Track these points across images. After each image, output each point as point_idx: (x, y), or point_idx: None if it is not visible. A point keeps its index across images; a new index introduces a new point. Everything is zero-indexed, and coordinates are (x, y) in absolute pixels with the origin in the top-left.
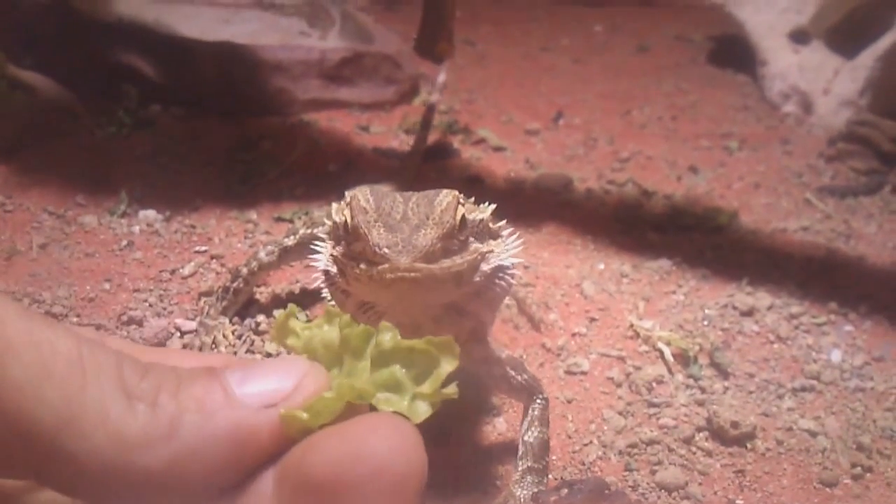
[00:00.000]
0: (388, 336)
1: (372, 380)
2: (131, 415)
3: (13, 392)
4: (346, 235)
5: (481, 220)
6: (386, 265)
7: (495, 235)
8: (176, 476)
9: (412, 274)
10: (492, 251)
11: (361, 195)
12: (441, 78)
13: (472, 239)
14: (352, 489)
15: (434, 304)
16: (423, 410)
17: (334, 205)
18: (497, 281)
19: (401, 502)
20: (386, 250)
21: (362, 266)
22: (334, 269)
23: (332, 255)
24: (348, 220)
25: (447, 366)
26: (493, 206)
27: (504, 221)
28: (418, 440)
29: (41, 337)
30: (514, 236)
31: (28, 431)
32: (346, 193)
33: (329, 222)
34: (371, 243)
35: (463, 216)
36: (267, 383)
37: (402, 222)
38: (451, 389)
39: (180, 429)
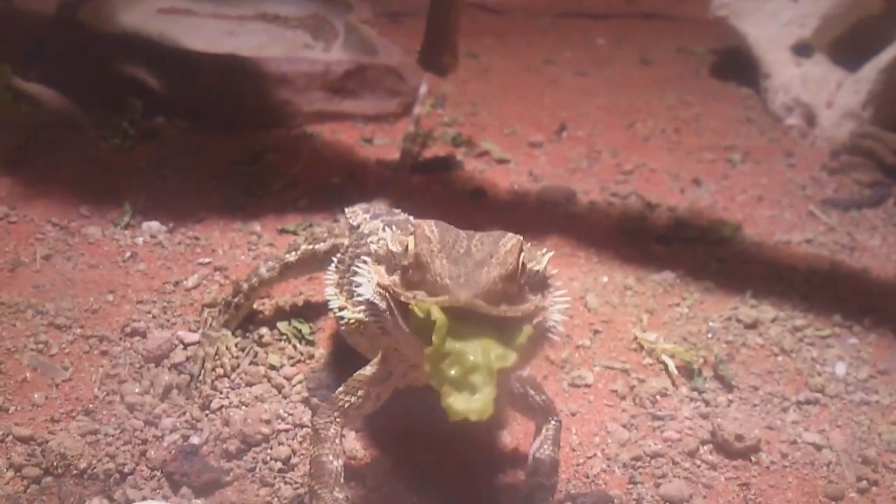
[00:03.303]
0: None
1: None
2: None
3: None
4: (404, 261)
5: (538, 272)
6: (445, 297)
7: (546, 286)
8: None
9: (477, 306)
10: (545, 308)
11: (426, 226)
12: (422, 90)
13: (527, 288)
14: None
15: None
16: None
17: (388, 233)
18: (546, 337)
19: None
20: (447, 281)
21: (420, 294)
22: (382, 304)
23: (381, 284)
24: (410, 248)
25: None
26: (550, 254)
27: (556, 271)
28: None
29: None
30: (563, 291)
31: None
32: (346, 210)
33: (330, 242)
34: (432, 272)
35: (524, 262)
36: None
37: (465, 256)
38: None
39: None
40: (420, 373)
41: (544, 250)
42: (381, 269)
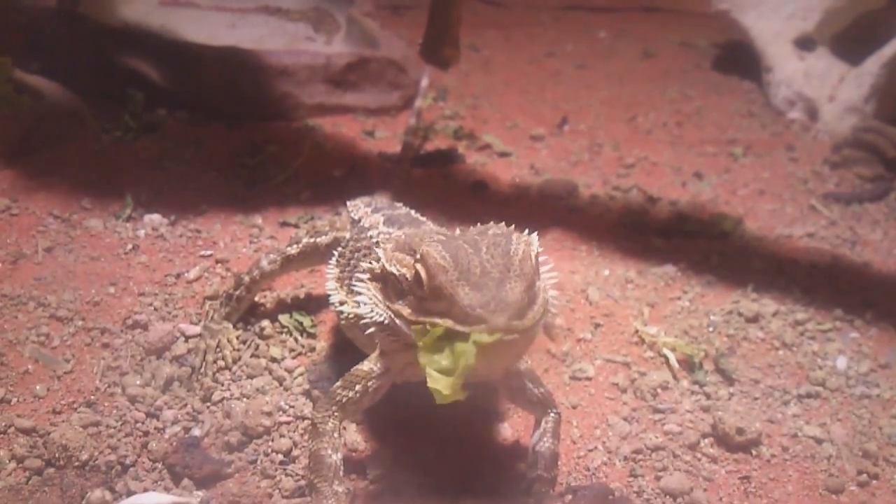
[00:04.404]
0: None
1: None
2: None
3: None
4: (419, 291)
5: (536, 255)
6: (482, 325)
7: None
8: None
9: (512, 336)
10: (544, 287)
11: (434, 251)
12: (424, 82)
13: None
14: None
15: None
16: None
17: (383, 253)
18: (547, 315)
19: None
20: (479, 311)
21: (457, 328)
22: (400, 324)
23: (394, 309)
24: (424, 278)
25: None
26: (535, 234)
27: (541, 249)
28: None
29: None
30: (549, 266)
31: None
32: (348, 203)
33: (332, 235)
34: (462, 305)
35: (537, 260)
36: None
37: (483, 277)
38: None
39: None
40: (418, 368)
41: (526, 231)
42: (378, 287)
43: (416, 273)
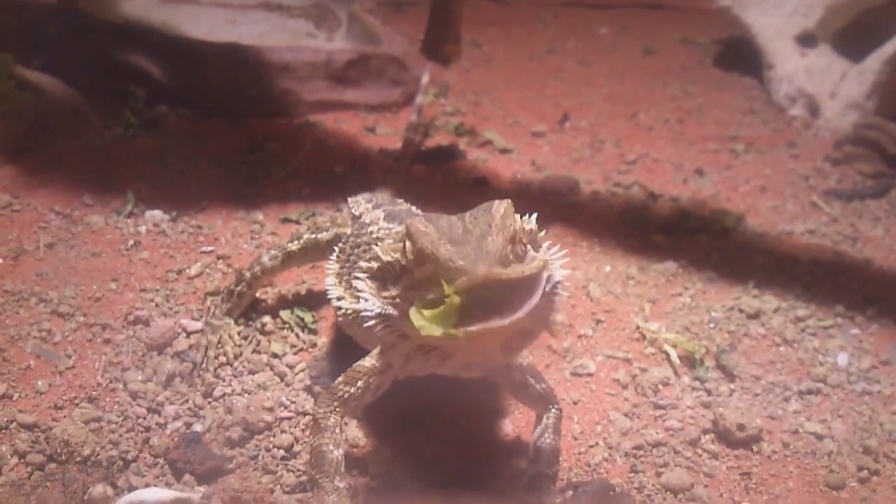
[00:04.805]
0: None
1: None
2: None
3: None
4: (406, 268)
5: (531, 230)
6: (464, 278)
7: (539, 247)
8: None
9: (498, 275)
10: (548, 261)
11: (418, 223)
12: (425, 79)
13: (528, 246)
14: None
15: (510, 329)
16: None
17: (377, 247)
18: (555, 295)
19: None
20: (461, 262)
21: (446, 286)
22: (395, 312)
23: (387, 296)
24: (408, 248)
25: None
26: (535, 215)
27: (543, 232)
28: None
29: None
30: (556, 247)
31: None
32: (349, 199)
33: (333, 231)
34: (442, 259)
35: (521, 224)
36: None
37: (465, 235)
38: None
39: None
40: (420, 363)
41: (528, 214)
42: (376, 284)
43: (404, 247)
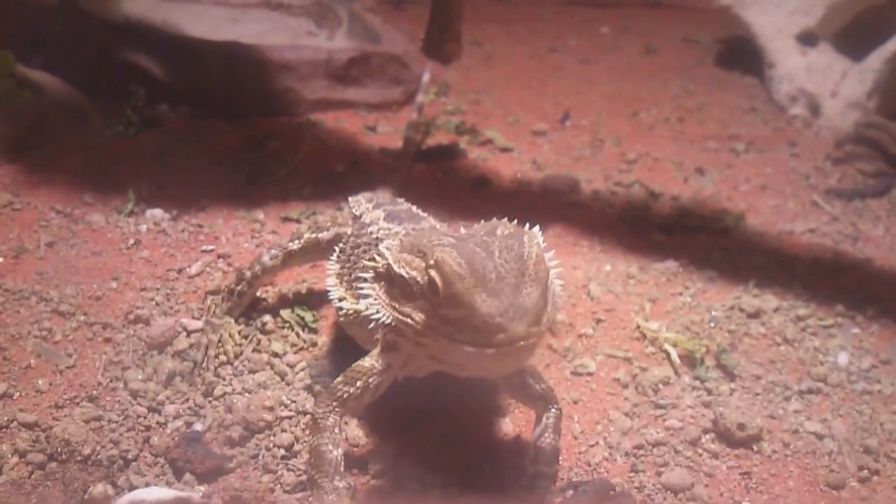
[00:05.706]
0: None
1: None
2: None
3: None
4: (433, 298)
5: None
6: (502, 335)
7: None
8: None
9: (530, 341)
10: (552, 282)
11: (450, 258)
12: (426, 78)
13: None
14: None
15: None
16: None
17: (389, 253)
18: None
19: None
20: (499, 319)
21: (473, 336)
22: (410, 325)
23: (403, 312)
24: (439, 286)
25: None
26: (537, 226)
27: (544, 244)
28: None
29: None
30: (551, 254)
31: None
32: (350, 199)
33: (333, 231)
34: (481, 313)
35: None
36: None
37: (499, 283)
38: None
39: None
40: (420, 364)
41: (527, 225)
42: (383, 286)
43: (430, 279)
